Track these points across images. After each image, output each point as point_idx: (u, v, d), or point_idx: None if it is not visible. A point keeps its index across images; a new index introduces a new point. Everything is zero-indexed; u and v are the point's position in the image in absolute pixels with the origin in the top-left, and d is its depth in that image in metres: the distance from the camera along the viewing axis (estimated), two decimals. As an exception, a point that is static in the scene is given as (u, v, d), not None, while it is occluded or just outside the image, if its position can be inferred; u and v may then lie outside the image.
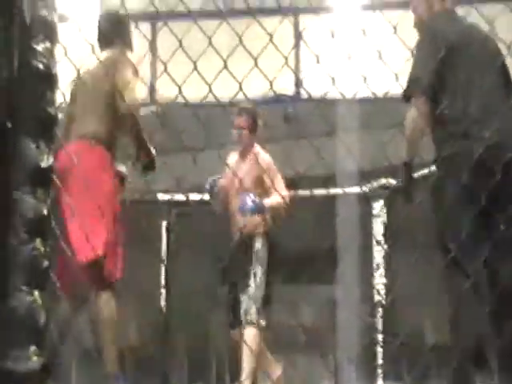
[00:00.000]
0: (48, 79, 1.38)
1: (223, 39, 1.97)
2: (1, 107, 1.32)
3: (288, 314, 8.98)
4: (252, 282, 4.93)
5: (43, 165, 1.38)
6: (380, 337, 5.98)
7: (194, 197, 6.44)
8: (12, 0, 1.30)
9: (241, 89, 1.68)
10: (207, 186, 5.13)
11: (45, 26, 1.35)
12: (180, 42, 1.65)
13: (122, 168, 4.15)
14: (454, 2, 3.73)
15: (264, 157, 5.00)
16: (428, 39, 3.48)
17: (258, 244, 4.99)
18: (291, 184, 5.44)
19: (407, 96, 3.44)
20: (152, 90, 7.25)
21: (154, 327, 7.63)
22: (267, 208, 4.92)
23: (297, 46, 7.63)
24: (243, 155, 5.05)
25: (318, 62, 1.66)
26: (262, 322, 4.91)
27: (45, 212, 1.38)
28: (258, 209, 4.87)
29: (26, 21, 1.32)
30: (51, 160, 1.39)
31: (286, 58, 1.95)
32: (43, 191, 1.38)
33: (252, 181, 4.88)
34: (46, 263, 1.38)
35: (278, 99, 7.47)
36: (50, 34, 1.36)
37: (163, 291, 6.64)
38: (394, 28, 1.97)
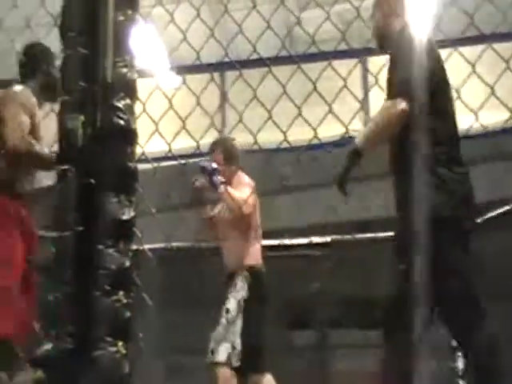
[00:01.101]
0: (128, 135, 1.42)
1: (295, 83, 2.00)
2: (86, 164, 1.36)
3: (358, 360, 8.85)
4: (222, 320, 4.70)
5: (124, 218, 1.41)
6: (461, 382, 5.84)
7: (265, 242, 6.45)
8: (96, 60, 1.36)
9: (315, 135, 1.70)
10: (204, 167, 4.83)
11: (125, 83, 1.40)
12: (254, 91, 1.68)
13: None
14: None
15: (243, 178, 4.89)
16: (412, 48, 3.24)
17: (237, 281, 4.79)
18: (364, 227, 5.40)
19: (393, 95, 3.16)
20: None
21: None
22: (222, 187, 4.70)
23: (365, 86, 7.64)
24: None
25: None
26: (225, 369, 4.62)
27: (127, 264, 1.40)
28: (214, 175, 4.70)
29: (108, 79, 1.37)
30: (132, 213, 1.42)
31: (361, 103, 1.96)
32: (125, 244, 1.41)
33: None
34: (128, 314, 1.40)
35: (351, 141, 7.46)
36: (129, 91, 1.41)
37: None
38: (473, 65, 1.95)
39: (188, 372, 8.67)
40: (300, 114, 1.63)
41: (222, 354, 4.63)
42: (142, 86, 1.48)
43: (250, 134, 2.01)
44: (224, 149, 4.94)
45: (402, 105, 3.08)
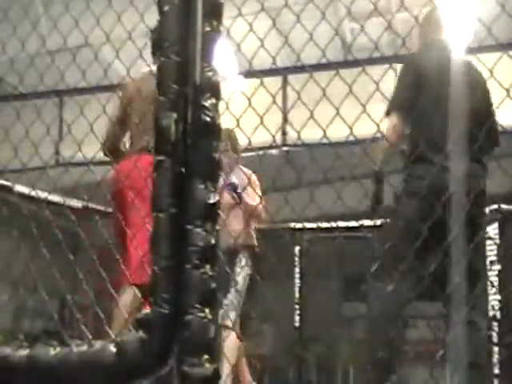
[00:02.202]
0: (213, 129, 1.44)
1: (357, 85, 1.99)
2: (178, 155, 1.39)
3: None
4: (231, 291, 4.70)
5: (210, 201, 1.44)
6: (496, 349, 5.76)
7: (324, 224, 6.47)
8: (186, 66, 1.38)
9: (378, 129, 1.70)
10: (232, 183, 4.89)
11: (211, 85, 1.42)
12: (323, 90, 1.68)
13: None
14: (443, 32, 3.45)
15: (246, 172, 4.96)
16: (410, 66, 3.30)
17: (242, 258, 4.84)
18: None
19: (387, 112, 3.25)
20: (283, 133, 7.31)
21: (287, 340, 7.64)
22: (243, 198, 4.76)
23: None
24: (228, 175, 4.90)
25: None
26: (233, 332, 4.58)
27: (213, 242, 1.43)
28: (236, 188, 4.76)
29: (197, 82, 1.39)
30: (217, 197, 1.44)
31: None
32: (211, 224, 1.44)
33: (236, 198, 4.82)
34: (214, 285, 1.42)
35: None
36: (215, 92, 1.43)
37: (297, 307, 6.67)
38: (491, 71, 1.91)
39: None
40: (364, 111, 1.63)
41: (232, 318, 4.68)
42: (225, 88, 1.49)
43: (313, 129, 2.01)
44: (228, 139, 4.92)
45: (392, 119, 3.21)
